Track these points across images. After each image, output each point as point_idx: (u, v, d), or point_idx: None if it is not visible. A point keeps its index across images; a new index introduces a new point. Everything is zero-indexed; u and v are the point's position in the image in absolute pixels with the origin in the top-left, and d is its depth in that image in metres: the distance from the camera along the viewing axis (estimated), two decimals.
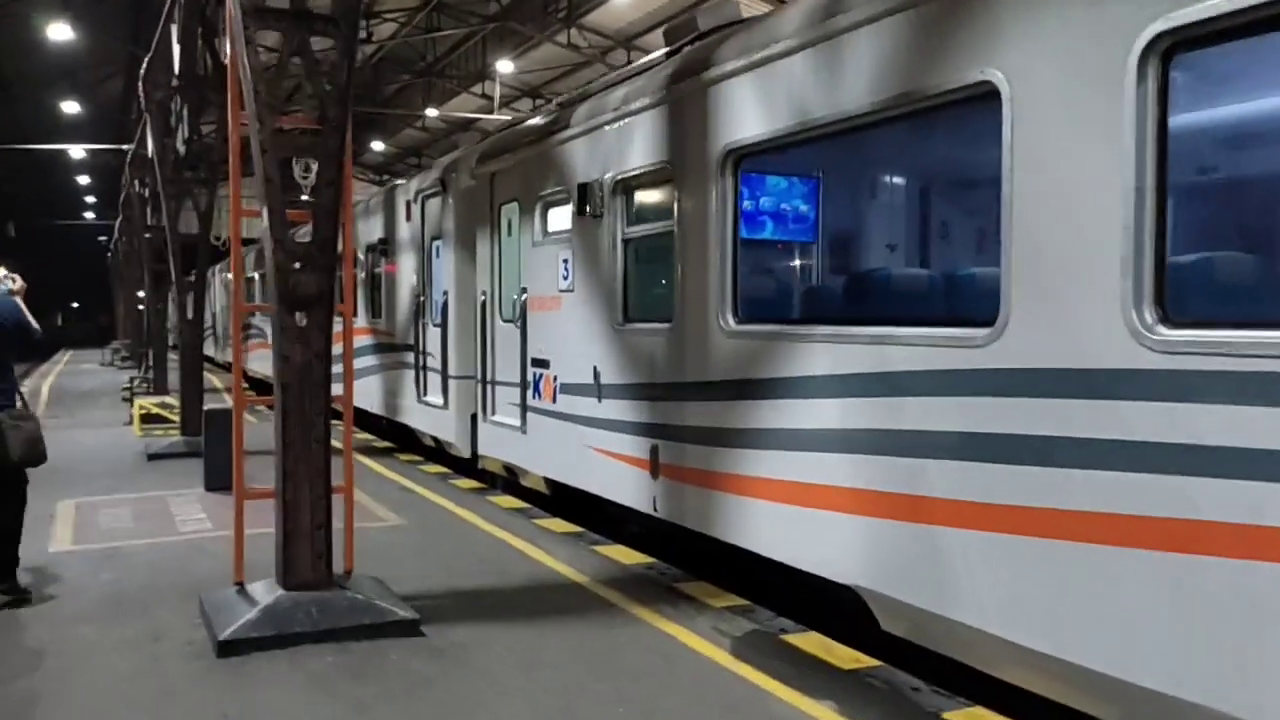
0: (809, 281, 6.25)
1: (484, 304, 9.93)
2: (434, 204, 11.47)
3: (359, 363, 14.68)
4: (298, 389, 5.45)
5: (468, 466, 11.11)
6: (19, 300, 6.54)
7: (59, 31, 18.86)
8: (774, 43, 5.53)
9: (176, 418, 14.93)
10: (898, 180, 5.70)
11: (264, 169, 5.31)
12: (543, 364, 8.61)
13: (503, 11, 29.85)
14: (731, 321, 6.02)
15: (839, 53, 5.04)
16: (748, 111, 5.80)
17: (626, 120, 7.13)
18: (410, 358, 12.27)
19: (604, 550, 7.47)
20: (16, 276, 6.61)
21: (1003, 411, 4.11)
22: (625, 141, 7.17)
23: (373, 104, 38.03)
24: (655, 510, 6.85)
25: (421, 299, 11.83)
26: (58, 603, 6.10)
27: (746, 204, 6.14)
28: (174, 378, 19.76)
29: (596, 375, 7.60)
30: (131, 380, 18.70)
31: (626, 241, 7.36)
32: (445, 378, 11.04)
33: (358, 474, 11.20)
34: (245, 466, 5.97)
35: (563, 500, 8.74)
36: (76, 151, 32.82)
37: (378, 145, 43.43)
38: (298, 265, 5.41)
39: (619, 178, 7.27)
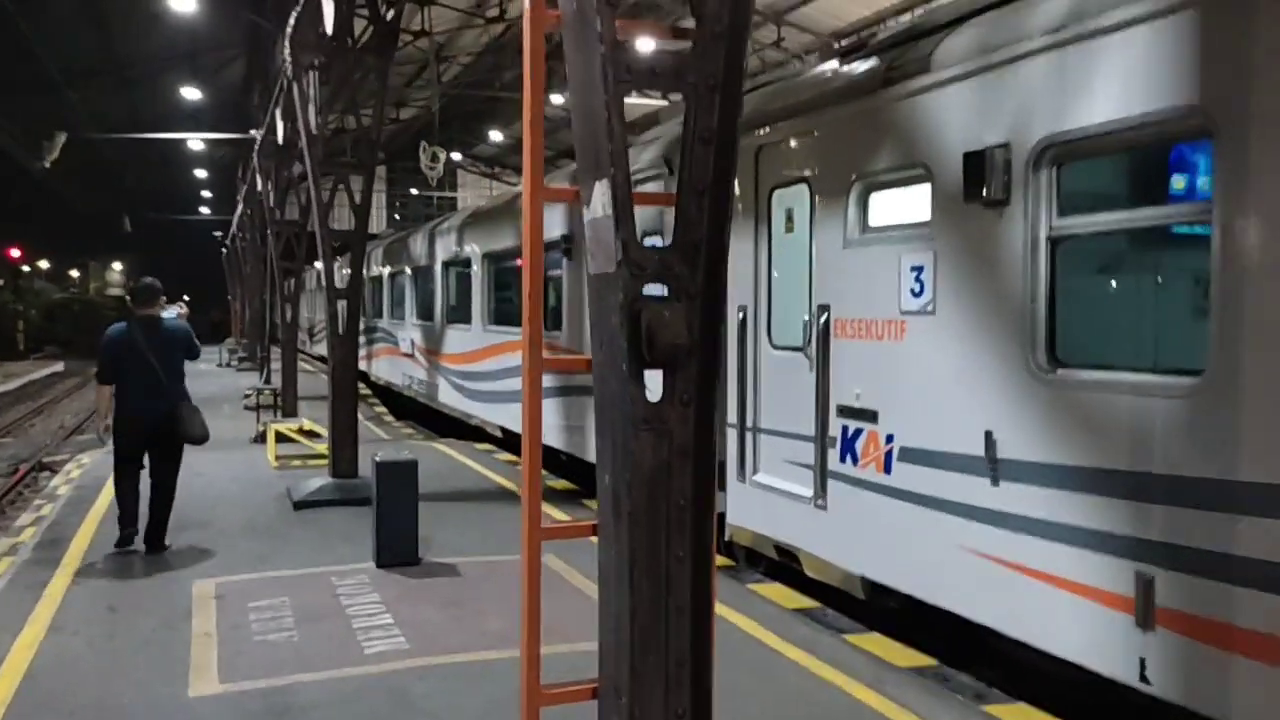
0: None
1: (741, 323, 7.41)
2: (649, 192, 8.99)
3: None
4: (647, 513, 2.96)
5: None
6: (186, 323, 8.65)
7: (181, 1, 16.97)
8: None
9: (315, 447, 12.83)
10: None
11: (606, 117, 2.83)
12: (862, 415, 6.03)
13: None
14: None
15: None
16: None
17: (1079, 47, 4.49)
18: None
19: (1006, 715, 4.87)
20: (184, 304, 9.76)
21: None
22: (1073, 81, 4.53)
23: (491, 90, 35.99)
24: (1145, 680, 4.21)
25: None
26: None
27: None
28: (303, 381, 17.84)
29: (990, 444, 4.99)
30: (257, 393, 16.69)
31: (1057, 240, 4.73)
32: None
33: (567, 540, 8.69)
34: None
35: (871, 604, 6.18)
36: (194, 142, 31.45)
37: (496, 135, 41.36)
38: (658, 294, 2.94)
39: (1051, 140, 4.64)
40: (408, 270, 19.78)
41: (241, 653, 5.66)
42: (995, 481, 4.98)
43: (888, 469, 5.80)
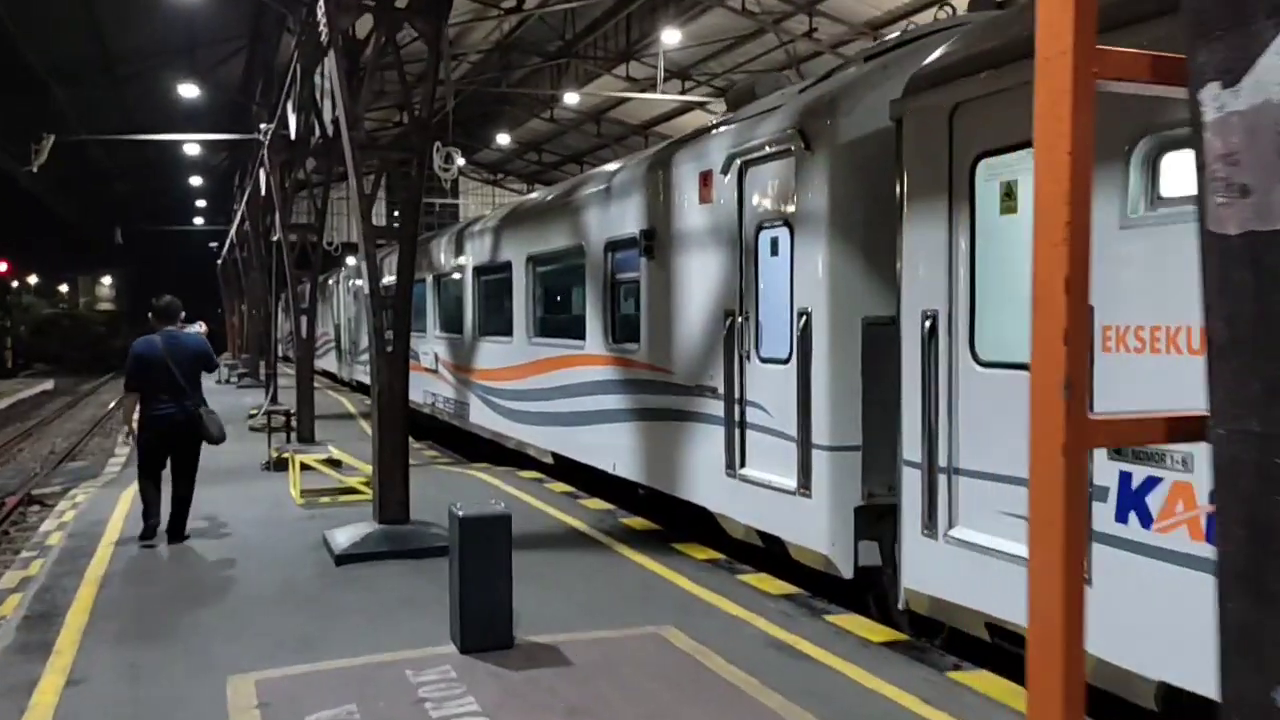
0: None
1: (928, 332, 5.77)
2: (771, 171, 7.37)
3: (587, 402, 10.73)
4: None
5: (821, 580, 7.09)
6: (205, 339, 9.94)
7: None
8: None
9: (344, 479, 11.16)
10: None
11: None
12: (1159, 459, 4.39)
13: None
14: None
15: None
16: None
17: None
18: (709, 407, 8.21)
19: None
20: (204, 324, 11.58)
21: None
22: None
23: (500, 89, 34.38)
24: None
25: (737, 320, 7.74)
26: None
27: None
28: (313, 399, 16.21)
29: None
30: (267, 416, 14.92)
31: None
32: (806, 447, 6.92)
33: (679, 603, 6.43)
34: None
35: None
36: (190, 147, 29.71)
37: (503, 139, 39.67)
38: None
39: None
40: (428, 278, 18.10)
41: None
42: None
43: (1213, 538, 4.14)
